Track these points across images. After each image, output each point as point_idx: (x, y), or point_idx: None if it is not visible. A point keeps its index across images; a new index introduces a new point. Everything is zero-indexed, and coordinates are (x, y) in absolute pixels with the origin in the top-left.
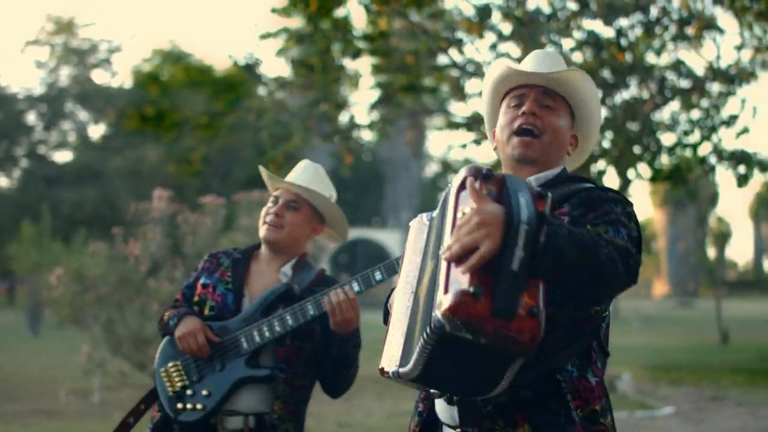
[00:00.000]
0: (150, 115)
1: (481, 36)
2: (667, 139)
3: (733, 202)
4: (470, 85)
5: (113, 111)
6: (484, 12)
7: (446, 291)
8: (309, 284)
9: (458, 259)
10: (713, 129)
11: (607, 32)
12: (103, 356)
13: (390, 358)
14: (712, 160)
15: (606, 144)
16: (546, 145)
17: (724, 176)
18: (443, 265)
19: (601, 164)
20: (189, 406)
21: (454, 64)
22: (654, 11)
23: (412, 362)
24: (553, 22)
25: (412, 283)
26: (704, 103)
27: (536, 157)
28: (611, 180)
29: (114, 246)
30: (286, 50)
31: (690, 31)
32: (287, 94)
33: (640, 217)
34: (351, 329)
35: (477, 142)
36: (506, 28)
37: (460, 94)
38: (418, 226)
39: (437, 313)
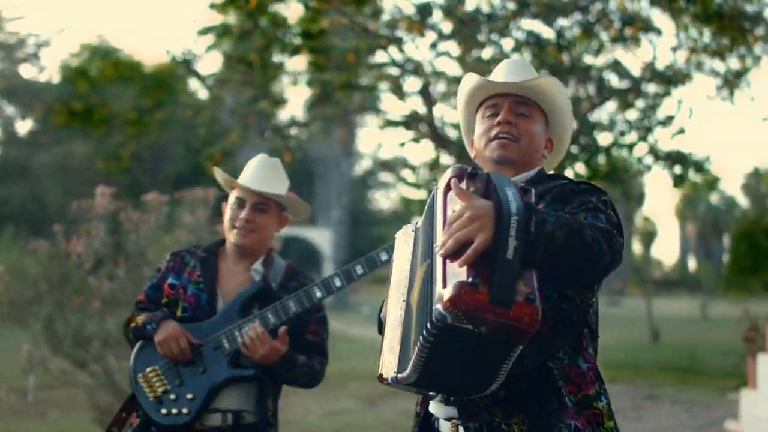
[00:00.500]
0: (78, 110)
1: (422, 34)
2: (604, 138)
3: (659, 202)
4: (409, 84)
5: (41, 106)
6: (424, 10)
7: (444, 285)
8: (282, 280)
9: (453, 254)
10: (649, 129)
11: (546, 32)
12: (44, 354)
13: (388, 366)
14: (649, 160)
15: None
16: (524, 148)
17: (650, 176)
18: (438, 261)
19: None
20: (174, 411)
21: (393, 63)
22: (594, 12)
23: (410, 366)
24: (493, 21)
25: (403, 293)
26: (641, 103)
27: (514, 158)
28: None
29: (54, 243)
30: (216, 46)
31: (628, 32)
32: (225, 90)
33: None
34: (273, 360)
35: (416, 140)
36: (447, 27)
37: (399, 93)
38: (404, 236)
39: (438, 307)
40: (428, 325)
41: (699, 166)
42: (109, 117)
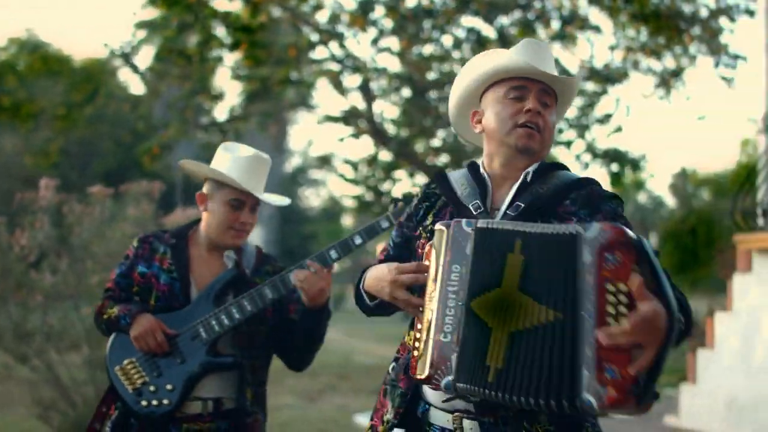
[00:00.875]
0: (6, 105)
1: (364, 30)
2: None
3: None
4: (349, 80)
5: None
6: (367, 5)
7: (602, 380)
8: (255, 265)
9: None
10: (587, 127)
11: (486, 30)
12: None
13: (437, 367)
14: (586, 158)
15: None
16: (545, 139)
17: (588, 174)
18: (588, 334)
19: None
20: (154, 402)
21: (334, 58)
22: (534, 9)
23: (483, 390)
24: (434, 18)
25: (458, 293)
26: (578, 101)
27: (537, 149)
28: None
29: None
30: (148, 40)
31: (567, 29)
32: (163, 84)
33: None
34: (325, 298)
35: (355, 136)
36: (389, 22)
37: (340, 89)
38: (457, 233)
39: (590, 398)
40: (565, 402)
41: (635, 164)
42: (38, 112)
